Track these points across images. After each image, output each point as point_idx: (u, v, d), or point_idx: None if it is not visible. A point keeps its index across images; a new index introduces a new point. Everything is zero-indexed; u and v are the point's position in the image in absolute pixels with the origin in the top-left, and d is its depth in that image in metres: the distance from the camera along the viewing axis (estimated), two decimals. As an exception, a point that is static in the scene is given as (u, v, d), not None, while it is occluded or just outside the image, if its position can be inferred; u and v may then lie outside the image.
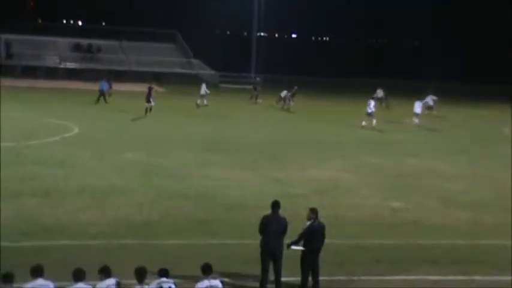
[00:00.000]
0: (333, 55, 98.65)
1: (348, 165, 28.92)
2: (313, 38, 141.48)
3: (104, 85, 46.59)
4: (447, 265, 16.61)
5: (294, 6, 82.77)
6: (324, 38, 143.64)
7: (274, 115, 45.93)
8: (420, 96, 47.40)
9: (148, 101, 40.49)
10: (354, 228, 19.41)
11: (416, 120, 43.71)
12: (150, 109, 40.37)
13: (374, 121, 41.18)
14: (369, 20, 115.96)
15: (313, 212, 14.77)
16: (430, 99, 49.65)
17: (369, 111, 41.78)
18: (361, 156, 31.16)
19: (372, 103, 42.34)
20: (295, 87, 49.53)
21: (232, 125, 39.67)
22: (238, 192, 22.96)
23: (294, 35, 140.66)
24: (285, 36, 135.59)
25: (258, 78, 52.54)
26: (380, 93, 51.43)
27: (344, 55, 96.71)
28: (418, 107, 44.41)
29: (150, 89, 41.12)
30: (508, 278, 15.90)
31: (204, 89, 49.34)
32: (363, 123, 41.13)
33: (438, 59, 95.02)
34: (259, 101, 51.95)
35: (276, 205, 14.75)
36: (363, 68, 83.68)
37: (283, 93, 49.51)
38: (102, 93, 45.93)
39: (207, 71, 71.41)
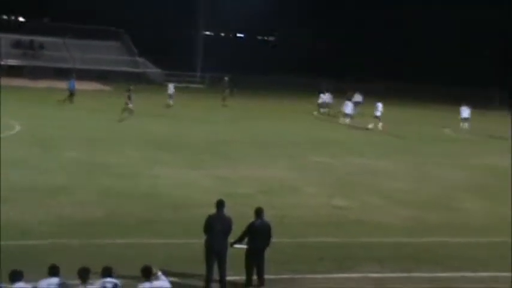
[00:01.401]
0: (279, 54, 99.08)
1: (294, 165, 29.11)
2: (259, 38, 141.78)
3: (73, 84, 45.58)
4: (390, 263, 16.86)
5: (240, 6, 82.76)
6: (270, 38, 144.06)
7: (222, 114, 45.94)
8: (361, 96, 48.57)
9: (129, 102, 39.83)
10: (299, 227, 19.56)
11: (346, 120, 44.36)
12: (130, 111, 39.82)
13: (380, 124, 42.93)
14: (313, 21, 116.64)
15: (257, 211, 14.87)
16: (358, 97, 50.51)
17: (378, 114, 43.49)
18: (306, 156, 31.41)
19: (380, 106, 43.87)
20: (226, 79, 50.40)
21: (179, 124, 39.56)
22: (185, 191, 22.93)
23: (240, 35, 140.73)
24: (231, 36, 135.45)
25: (226, 78, 52.06)
26: (358, 97, 51.48)
27: (290, 54, 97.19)
28: (348, 107, 45.12)
29: (129, 90, 40.44)
30: (447, 274, 16.23)
31: (171, 89, 49.05)
32: (370, 126, 42.63)
33: (380, 58, 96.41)
34: (226, 103, 51.38)
35: (220, 204, 14.78)
36: (309, 66, 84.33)
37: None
38: (71, 93, 44.96)
39: (153, 70, 71.03)
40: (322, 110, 49.10)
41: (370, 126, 42.58)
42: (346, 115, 44.82)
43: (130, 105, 39.54)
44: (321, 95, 49.96)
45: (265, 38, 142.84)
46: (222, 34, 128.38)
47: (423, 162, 31.78)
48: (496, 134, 44.14)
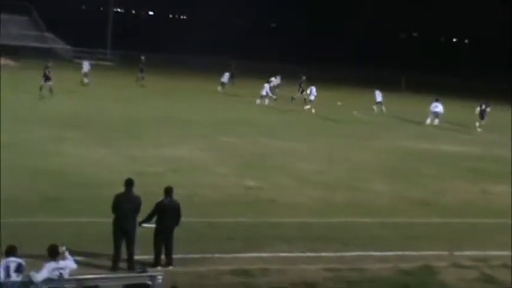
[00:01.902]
0: (191, 33, 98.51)
1: (204, 144, 29.01)
2: (170, 16, 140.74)
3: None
4: (298, 242, 17.01)
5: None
6: (182, 17, 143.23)
7: (135, 93, 45.37)
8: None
9: (47, 80, 38.60)
10: (209, 206, 19.50)
11: (259, 101, 44.59)
12: (50, 89, 38.55)
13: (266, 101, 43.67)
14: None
15: (166, 190, 14.74)
16: (277, 80, 50.74)
17: (265, 93, 44.38)
18: (217, 136, 31.35)
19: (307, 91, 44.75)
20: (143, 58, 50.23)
21: (90, 102, 38.78)
22: (94, 169, 22.52)
23: (150, 12, 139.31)
24: (142, 13, 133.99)
25: (143, 57, 51.02)
26: (277, 80, 51.32)
27: (201, 34, 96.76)
28: (265, 89, 45.39)
29: (47, 67, 39.17)
30: (355, 253, 16.51)
31: (87, 66, 47.82)
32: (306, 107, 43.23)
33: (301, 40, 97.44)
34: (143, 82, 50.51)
35: (129, 183, 14.58)
36: (219, 47, 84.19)
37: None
38: None
39: (61, 46, 69.39)
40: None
41: (307, 107, 43.05)
42: (262, 96, 44.89)
43: (50, 83, 38.62)
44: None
45: (178, 16, 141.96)
46: (133, 11, 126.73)
47: (334, 144, 32.21)
48: (407, 117, 45.17)
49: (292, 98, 47.33)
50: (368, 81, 52.28)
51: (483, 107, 42.51)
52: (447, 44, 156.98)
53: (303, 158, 28.08)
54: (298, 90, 48.87)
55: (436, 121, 43.01)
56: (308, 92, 44.64)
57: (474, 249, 17.62)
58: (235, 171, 24.54)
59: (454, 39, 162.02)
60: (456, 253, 17.17)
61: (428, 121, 43.13)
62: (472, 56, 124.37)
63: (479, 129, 41.63)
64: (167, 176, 22.00)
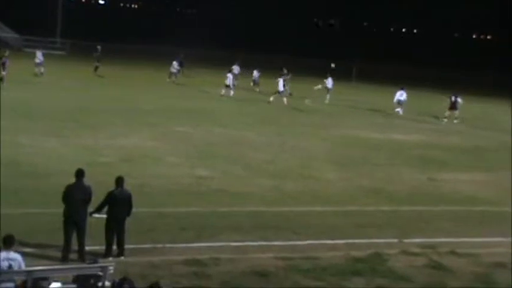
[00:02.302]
0: (142, 23, 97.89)
1: (156, 134, 28.89)
2: (121, 5, 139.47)
3: None
4: (250, 231, 17.07)
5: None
6: (133, 6, 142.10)
7: (86, 82, 44.86)
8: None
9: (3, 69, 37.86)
10: (160, 196, 19.45)
11: (224, 91, 44.43)
12: (1, 79, 37.73)
13: (231, 92, 43.77)
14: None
15: (117, 180, 14.67)
16: (236, 69, 50.73)
17: (229, 83, 43.95)
18: (169, 125, 31.24)
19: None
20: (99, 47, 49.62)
21: (41, 91, 38.27)
22: (45, 159, 22.27)
23: (101, 1, 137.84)
24: (93, 2, 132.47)
25: (99, 47, 50.21)
26: (236, 69, 51.11)
27: (153, 23, 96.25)
28: (230, 78, 45.32)
29: (2, 57, 38.38)
30: (306, 242, 16.64)
31: (40, 57, 46.74)
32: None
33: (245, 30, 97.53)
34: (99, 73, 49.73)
35: (80, 173, 14.46)
36: (170, 35, 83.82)
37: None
38: None
39: (10, 34, 68.12)
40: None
41: (271, 99, 43.01)
42: (227, 86, 44.58)
43: (3, 73, 37.95)
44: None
45: (128, 6, 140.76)
46: (83, 0, 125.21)
47: (286, 133, 32.33)
48: (358, 107, 45.57)
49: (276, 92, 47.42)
50: (320, 70, 52.44)
51: (453, 98, 42.92)
52: (397, 33, 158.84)
53: (254, 148, 28.15)
54: (283, 85, 48.65)
55: (401, 110, 43.58)
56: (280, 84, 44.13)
57: (423, 236, 17.92)
58: (187, 161, 24.49)
59: (404, 29, 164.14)
60: (405, 240, 17.43)
61: (396, 109, 43.76)
62: (422, 46, 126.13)
63: (454, 121, 42.09)
64: (118, 166, 21.84)
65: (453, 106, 42.71)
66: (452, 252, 16.84)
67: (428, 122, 41.76)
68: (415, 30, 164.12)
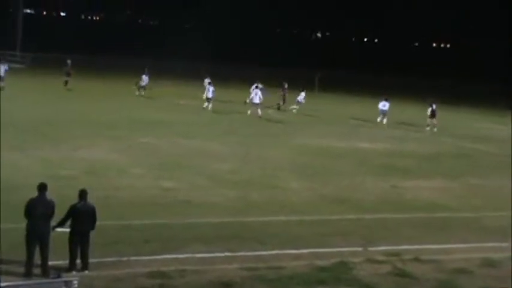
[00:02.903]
0: (104, 34, 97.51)
1: (120, 146, 28.75)
2: (83, 17, 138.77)
3: None
4: (215, 242, 17.06)
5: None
6: (95, 18, 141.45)
7: (47, 94, 44.50)
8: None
9: None
10: (125, 209, 19.35)
11: (207, 104, 44.25)
12: None
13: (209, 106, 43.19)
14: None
15: (80, 193, 14.58)
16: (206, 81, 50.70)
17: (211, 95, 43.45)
18: (133, 137, 31.11)
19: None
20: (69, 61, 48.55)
21: (3, 104, 37.76)
22: (6, 173, 21.92)
23: (63, 14, 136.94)
24: (54, 14, 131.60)
25: (69, 61, 49.53)
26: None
27: (116, 35, 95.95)
28: (210, 91, 45.26)
29: None
30: (271, 252, 16.67)
31: (3, 70, 45.88)
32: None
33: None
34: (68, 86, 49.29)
35: (42, 187, 14.34)
36: (132, 47, 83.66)
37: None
38: None
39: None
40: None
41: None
42: (208, 99, 44.30)
43: None
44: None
45: (90, 18, 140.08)
46: (44, 12, 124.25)
47: (249, 143, 32.37)
48: (321, 116, 45.79)
49: (279, 106, 47.66)
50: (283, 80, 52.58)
51: (433, 106, 43.49)
52: (360, 43, 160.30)
53: (218, 158, 28.15)
54: (282, 97, 48.95)
55: (384, 120, 44.04)
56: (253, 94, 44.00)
57: (387, 244, 18.06)
58: (152, 173, 24.41)
59: (365, 39, 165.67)
60: (370, 248, 17.56)
61: (378, 119, 44.11)
62: (382, 55, 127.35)
63: (434, 129, 42.67)
64: (82, 178, 21.71)
65: (433, 114, 43.38)
66: (416, 259, 16.99)
67: (391, 130, 42.08)
68: (376, 40, 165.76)
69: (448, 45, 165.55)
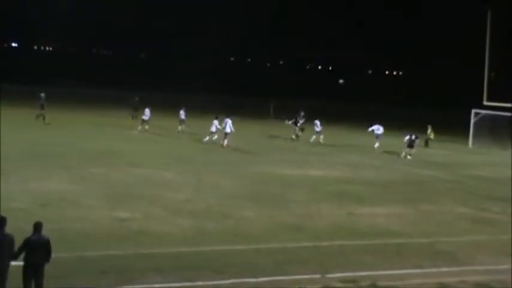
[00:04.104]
0: (57, 64, 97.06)
1: (73, 177, 28.43)
2: (35, 48, 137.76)
3: None
4: (171, 272, 16.92)
5: (16, 15, 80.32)
6: (48, 48, 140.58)
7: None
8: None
9: None
10: (80, 240, 19.09)
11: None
12: None
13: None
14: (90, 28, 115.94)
15: (35, 225, 14.34)
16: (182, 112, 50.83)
17: (215, 129, 43.73)
18: (86, 167, 30.80)
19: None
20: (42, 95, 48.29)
21: None
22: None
23: (14, 44, 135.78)
24: (6, 45, 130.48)
25: (42, 94, 48.84)
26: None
27: (68, 65, 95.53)
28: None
29: None
30: (228, 281, 16.59)
31: None
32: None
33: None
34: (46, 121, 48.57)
35: (1, 222, 14.08)
36: (85, 76, 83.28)
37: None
38: None
39: None
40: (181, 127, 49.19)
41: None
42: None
43: None
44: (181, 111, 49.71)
45: (44, 48, 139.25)
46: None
47: (202, 172, 32.31)
48: (275, 143, 45.97)
49: (297, 136, 49.09)
50: (237, 107, 52.92)
51: (413, 137, 44.87)
52: (313, 70, 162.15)
53: (172, 187, 28.01)
54: (296, 125, 50.10)
55: (377, 144, 45.42)
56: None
57: (344, 270, 18.11)
58: (105, 203, 24.16)
59: (320, 67, 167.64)
60: (328, 275, 17.59)
61: (376, 144, 45.38)
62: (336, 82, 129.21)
63: (408, 157, 44.03)
64: (35, 211, 21.36)
65: (411, 144, 44.73)
66: (373, 286, 17.08)
67: (345, 156, 42.44)
68: (330, 68, 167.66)
69: (401, 73, 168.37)
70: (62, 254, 16.18)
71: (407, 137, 44.63)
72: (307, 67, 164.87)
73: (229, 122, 42.93)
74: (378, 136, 46.93)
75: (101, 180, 28.43)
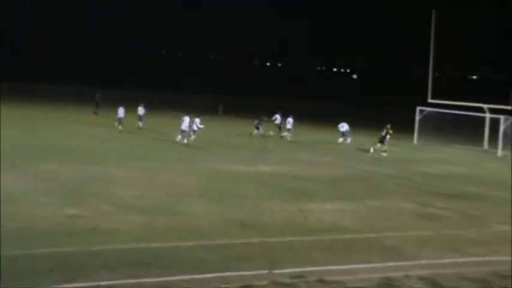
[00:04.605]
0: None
1: (24, 174, 28.20)
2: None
3: None
4: (120, 269, 16.93)
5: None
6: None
7: None
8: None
9: None
10: (29, 238, 18.96)
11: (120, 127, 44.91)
12: None
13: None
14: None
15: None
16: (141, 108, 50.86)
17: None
18: (36, 164, 30.56)
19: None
20: None
21: None
22: None
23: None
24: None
25: None
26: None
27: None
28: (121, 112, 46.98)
29: None
30: (177, 278, 16.68)
31: None
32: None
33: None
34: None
35: None
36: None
37: None
38: None
39: None
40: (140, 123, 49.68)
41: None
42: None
43: None
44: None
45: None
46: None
47: (153, 168, 32.31)
48: (224, 141, 46.09)
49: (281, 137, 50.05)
50: (186, 105, 52.96)
51: (383, 133, 46.32)
52: (262, 67, 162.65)
53: (123, 184, 28.00)
54: (257, 128, 50.81)
55: (345, 140, 46.51)
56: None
57: (292, 266, 18.32)
58: (55, 200, 24.05)
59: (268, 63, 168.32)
60: (275, 271, 17.78)
61: (340, 140, 46.28)
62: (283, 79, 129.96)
63: (384, 154, 45.37)
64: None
65: (382, 140, 46.38)
66: (320, 281, 17.32)
67: (296, 154, 42.79)
68: (279, 64, 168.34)
69: (342, 70, 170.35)
70: (11, 252, 16.10)
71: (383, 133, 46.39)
72: (255, 64, 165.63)
73: (191, 120, 43.53)
74: (343, 133, 48.50)
75: (52, 177, 28.26)
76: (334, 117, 52.55)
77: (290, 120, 51.17)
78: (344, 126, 49.50)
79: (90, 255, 18.00)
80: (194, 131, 43.50)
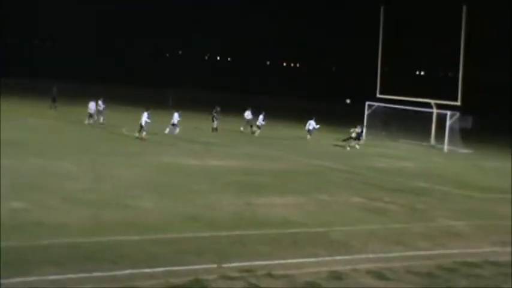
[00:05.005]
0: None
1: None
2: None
3: None
4: (68, 264, 16.74)
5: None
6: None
7: None
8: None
9: None
10: (-28, 232, 18.64)
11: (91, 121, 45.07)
12: None
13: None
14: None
15: None
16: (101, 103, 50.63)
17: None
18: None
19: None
20: None
21: None
22: None
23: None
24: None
25: None
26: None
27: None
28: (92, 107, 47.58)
29: None
30: (126, 272, 16.55)
31: None
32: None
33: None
34: None
35: None
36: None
37: None
38: None
39: None
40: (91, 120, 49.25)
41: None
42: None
43: None
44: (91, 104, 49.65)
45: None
46: None
47: (101, 162, 32.04)
48: (176, 134, 45.89)
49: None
50: (137, 99, 52.75)
51: (359, 129, 48.89)
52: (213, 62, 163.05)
53: (71, 177, 27.67)
54: (213, 120, 51.82)
55: (308, 137, 48.11)
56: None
57: (241, 260, 18.35)
58: (1, 194, 23.59)
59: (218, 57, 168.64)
60: (224, 265, 17.78)
61: (308, 137, 50.03)
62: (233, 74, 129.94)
63: (357, 146, 48.44)
64: None
65: (358, 137, 48.91)
66: (269, 275, 17.38)
67: (246, 148, 42.85)
68: (228, 59, 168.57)
69: (298, 65, 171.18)
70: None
71: (358, 130, 48.59)
72: (206, 57, 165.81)
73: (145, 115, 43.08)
74: (308, 130, 50.67)
75: (-3, 170, 27.77)
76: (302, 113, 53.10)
77: (261, 116, 52.41)
78: (311, 124, 51.79)
79: (36, 249, 17.72)
80: (146, 123, 43.04)
